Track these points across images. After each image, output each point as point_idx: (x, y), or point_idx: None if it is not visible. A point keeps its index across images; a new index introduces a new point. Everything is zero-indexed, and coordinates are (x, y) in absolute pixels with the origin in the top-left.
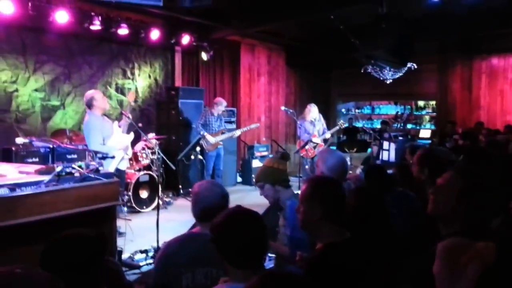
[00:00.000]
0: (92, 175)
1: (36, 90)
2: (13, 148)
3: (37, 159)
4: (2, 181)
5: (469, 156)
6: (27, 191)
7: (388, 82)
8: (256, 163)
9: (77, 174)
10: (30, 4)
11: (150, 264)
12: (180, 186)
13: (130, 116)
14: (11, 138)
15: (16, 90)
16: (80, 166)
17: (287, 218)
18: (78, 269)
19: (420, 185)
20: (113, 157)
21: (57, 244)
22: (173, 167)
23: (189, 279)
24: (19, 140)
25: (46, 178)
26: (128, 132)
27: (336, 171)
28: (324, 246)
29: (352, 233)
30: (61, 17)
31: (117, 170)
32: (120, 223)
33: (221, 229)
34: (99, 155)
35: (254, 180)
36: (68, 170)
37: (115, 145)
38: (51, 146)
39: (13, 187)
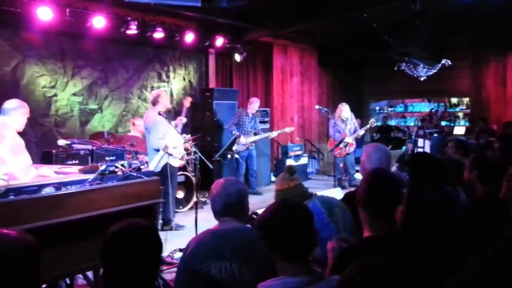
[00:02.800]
0: (134, 174)
1: (74, 94)
2: (53, 151)
3: (77, 161)
4: (48, 180)
5: None
6: (72, 189)
7: (422, 79)
8: (290, 162)
9: (120, 173)
10: (68, 10)
11: None
12: None
13: (183, 119)
14: (51, 141)
15: (55, 95)
16: (122, 165)
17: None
18: (141, 259)
19: (469, 184)
20: (169, 154)
21: (118, 234)
22: (211, 166)
23: (205, 273)
24: (61, 142)
25: (90, 176)
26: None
27: (379, 165)
28: (372, 237)
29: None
30: (98, 22)
31: (171, 166)
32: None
33: (270, 224)
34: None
35: None
36: (111, 168)
37: (172, 142)
38: (90, 148)
39: (58, 185)
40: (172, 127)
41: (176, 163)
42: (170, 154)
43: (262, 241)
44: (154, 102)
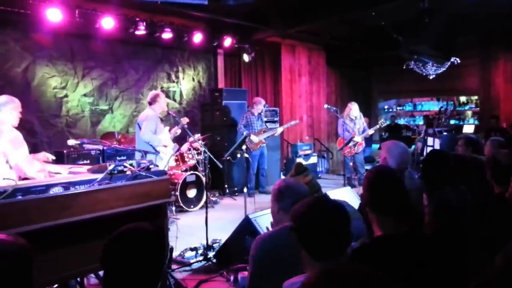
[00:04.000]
0: (143, 173)
1: (85, 95)
2: (65, 151)
3: (88, 161)
4: (56, 180)
5: None
6: (81, 189)
7: (431, 77)
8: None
9: (128, 172)
10: (77, 11)
11: (200, 261)
12: (226, 186)
13: (184, 122)
14: (62, 142)
15: (66, 96)
16: (131, 164)
17: None
18: (141, 263)
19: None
20: (157, 152)
21: (120, 239)
22: (220, 165)
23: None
24: (71, 142)
25: (98, 176)
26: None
27: (401, 160)
28: (382, 236)
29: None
30: (107, 23)
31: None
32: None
33: (303, 217)
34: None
35: None
36: (120, 168)
37: (163, 140)
38: (101, 148)
39: (66, 185)
40: (164, 129)
41: (162, 165)
42: (157, 152)
43: (293, 233)
44: (151, 102)
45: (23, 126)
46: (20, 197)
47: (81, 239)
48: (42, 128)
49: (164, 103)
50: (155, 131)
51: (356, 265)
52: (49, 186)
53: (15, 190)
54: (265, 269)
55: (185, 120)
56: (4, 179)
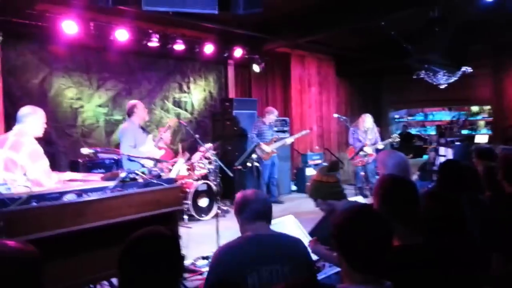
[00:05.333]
0: (155, 181)
1: (99, 105)
2: (80, 160)
3: (102, 170)
4: (69, 187)
5: None
6: (94, 196)
7: (442, 87)
8: (310, 171)
9: (140, 180)
10: (92, 24)
11: None
12: None
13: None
14: (78, 151)
15: (81, 106)
16: (143, 172)
17: None
18: (159, 267)
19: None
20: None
21: (138, 242)
22: (231, 174)
23: (255, 278)
24: (85, 150)
25: (111, 184)
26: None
27: (398, 171)
28: (395, 248)
29: (425, 237)
30: (121, 35)
31: None
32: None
33: (347, 227)
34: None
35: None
36: (132, 176)
37: (145, 152)
38: (115, 158)
39: (79, 192)
40: (147, 138)
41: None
42: (142, 165)
43: (333, 240)
44: (129, 113)
45: (40, 136)
46: (35, 203)
47: (94, 246)
48: (58, 138)
49: (144, 114)
50: (135, 144)
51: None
52: (62, 193)
53: (30, 197)
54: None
55: (173, 122)
56: (19, 185)
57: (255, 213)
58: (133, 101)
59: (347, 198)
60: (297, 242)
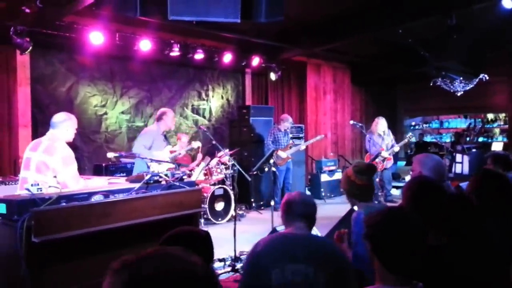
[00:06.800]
0: (177, 183)
1: (122, 112)
2: (104, 164)
3: (124, 174)
4: (97, 188)
5: None
6: (120, 197)
7: (459, 94)
8: (324, 177)
9: (163, 182)
10: (117, 35)
11: (228, 272)
12: (252, 200)
13: (195, 145)
14: (101, 156)
15: (106, 113)
16: (166, 175)
17: (352, 231)
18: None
19: None
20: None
21: (176, 240)
22: (249, 178)
23: (279, 274)
24: (110, 154)
25: (136, 185)
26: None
27: (436, 173)
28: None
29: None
30: (145, 45)
31: None
32: None
33: (381, 230)
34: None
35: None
36: (155, 178)
37: (157, 157)
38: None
39: (106, 193)
40: (165, 148)
41: None
42: (148, 167)
43: (367, 241)
44: (158, 118)
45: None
46: (64, 203)
47: (119, 245)
48: (83, 144)
49: (171, 122)
50: (151, 146)
51: None
52: (90, 194)
53: (60, 197)
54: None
55: (196, 144)
56: (49, 186)
57: (296, 214)
58: (164, 109)
59: (372, 201)
60: (328, 244)
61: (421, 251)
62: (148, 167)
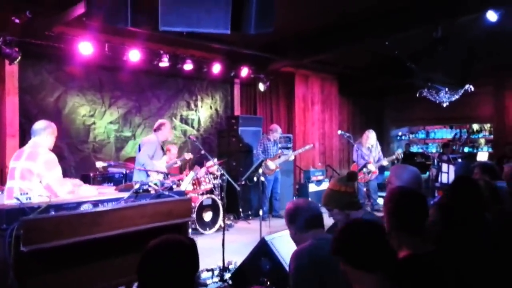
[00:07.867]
0: (167, 193)
1: (111, 122)
2: (91, 174)
3: (112, 184)
4: (86, 197)
5: None
6: (109, 206)
7: (444, 105)
8: (312, 187)
9: (153, 192)
10: (106, 45)
11: (216, 282)
12: (241, 210)
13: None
14: (88, 166)
15: (94, 123)
16: (155, 184)
17: None
18: (178, 273)
19: None
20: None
21: (159, 249)
22: (238, 188)
23: (333, 280)
24: (99, 164)
25: (125, 195)
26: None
27: (411, 185)
28: (406, 256)
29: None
30: (134, 56)
31: None
32: None
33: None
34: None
35: (321, 202)
36: (145, 187)
37: (158, 167)
38: (124, 172)
39: (95, 203)
40: (162, 158)
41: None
42: (148, 176)
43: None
44: (156, 129)
45: (53, 151)
46: (53, 213)
47: (108, 254)
48: (71, 153)
49: (168, 132)
50: (153, 156)
51: None
52: (79, 203)
53: (49, 206)
54: (308, 278)
55: (188, 156)
56: (39, 195)
57: (309, 221)
58: (162, 120)
59: (363, 208)
60: None
61: (427, 216)
62: (148, 176)
